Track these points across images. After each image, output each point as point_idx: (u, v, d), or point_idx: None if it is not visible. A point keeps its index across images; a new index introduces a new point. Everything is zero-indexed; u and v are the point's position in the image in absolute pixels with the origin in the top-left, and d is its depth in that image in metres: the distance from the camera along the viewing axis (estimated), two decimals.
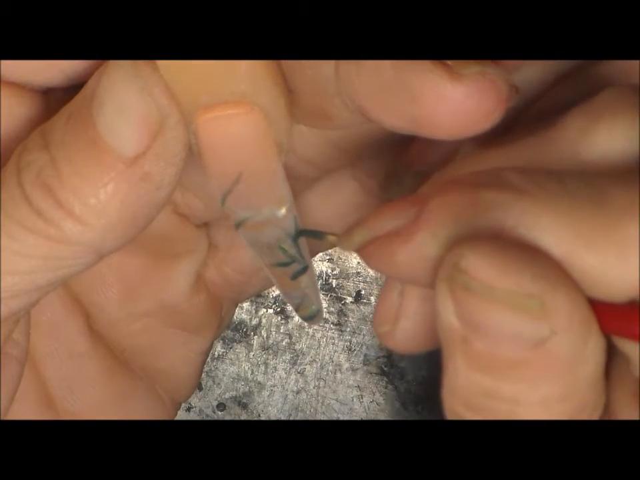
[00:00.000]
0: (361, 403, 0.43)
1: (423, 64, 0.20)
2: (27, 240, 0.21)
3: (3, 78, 0.23)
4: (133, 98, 0.20)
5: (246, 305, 0.46)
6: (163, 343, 0.29)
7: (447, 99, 0.20)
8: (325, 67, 0.21)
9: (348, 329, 0.44)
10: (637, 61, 0.23)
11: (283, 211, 0.23)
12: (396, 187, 0.26)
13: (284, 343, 0.45)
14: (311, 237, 0.24)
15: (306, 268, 0.25)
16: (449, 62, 0.20)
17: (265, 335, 0.46)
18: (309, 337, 0.45)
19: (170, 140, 0.21)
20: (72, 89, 0.23)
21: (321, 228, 0.28)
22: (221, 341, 0.46)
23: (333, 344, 0.44)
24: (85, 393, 0.28)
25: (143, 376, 0.29)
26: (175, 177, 0.22)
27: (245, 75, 0.20)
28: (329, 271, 0.46)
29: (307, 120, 0.23)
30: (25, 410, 0.26)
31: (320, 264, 0.46)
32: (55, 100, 0.24)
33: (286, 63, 0.22)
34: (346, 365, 0.43)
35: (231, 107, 0.21)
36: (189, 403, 0.45)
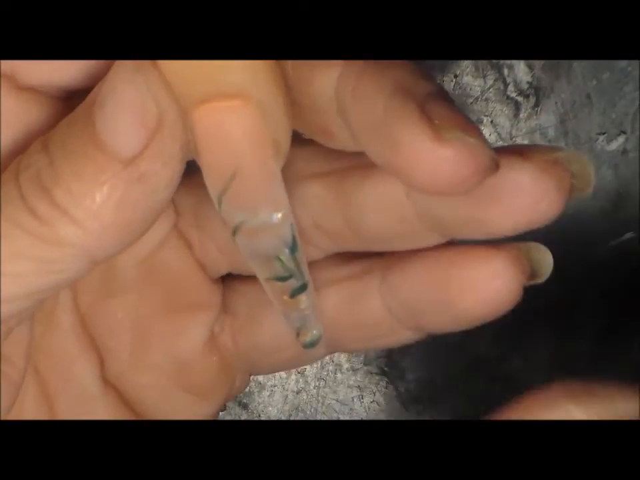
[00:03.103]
0: (361, 403, 0.43)
1: (412, 114, 0.20)
2: (21, 241, 0.21)
3: (22, 83, 0.22)
4: (131, 94, 0.20)
5: None
6: (169, 402, 0.28)
7: (422, 156, 0.20)
8: (327, 89, 0.21)
9: None
10: None
11: (279, 216, 0.22)
12: None
13: None
14: None
15: (305, 286, 0.24)
16: (437, 121, 0.20)
17: None
18: None
19: (167, 138, 0.21)
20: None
21: (339, 334, 0.27)
22: None
23: None
24: None
25: None
26: (171, 180, 0.21)
27: (244, 67, 0.20)
28: None
29: (309, 133, 0.23)
30: None
31: None
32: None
33: (291, 77, 0.22)
34: (346, 365, 0.43)
35: (227, 98, 0.20)
36: None
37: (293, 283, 0.24)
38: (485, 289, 0.24)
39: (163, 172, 0.21)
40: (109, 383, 0.28)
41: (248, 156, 0.21)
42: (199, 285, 0.28)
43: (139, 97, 0.20)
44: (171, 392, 0.28)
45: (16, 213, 0.21)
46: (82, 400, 0.27)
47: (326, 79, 0.22)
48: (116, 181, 0.21)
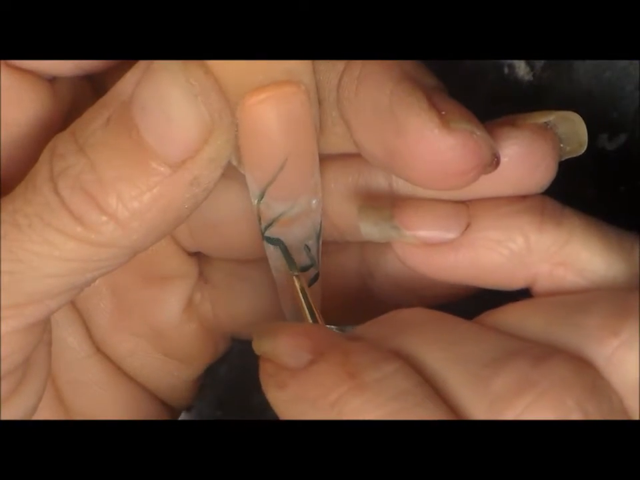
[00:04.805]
0: None
1: (420, 101, 0.20)
2: (66, 246, 0.21)
3: (16, 64, 0.22)
4: (184, 106, 0.20)
5: None
6: (151, 368, 0.29)
7: (429, 143, 0.20)
8: (332, 75, 0.21)
9: (348, 329, 0.44)
10: None
11: (315, 201, 0.23)
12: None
13: None
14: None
15: (318, 274, 0.24)
16: (443, 112, 0.20)
17: None
18: None
19: (222, 144, 0.21)
20: (78, 77, 0.23)
21: None
22: None
23: None
24: (90, 396, 0.28)
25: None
26: (219, 177, 0.21)
27: None
28: None
29: None
30: (40, 407, 0.26)
31: None
32: (60, 89, 0.24)
33: None
34: None
35: (282, 85, 0.21)
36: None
37: (312, 272, 0.24)
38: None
39: (215, 174, 0.21)
40: (96, 346, 0.28)
41: (299, 142, 0.21)
42: (174, 257, 0.28)
43: (193, 108, 0.20)
44: (153, 357, 0.29)
45: (60, 221, 0.21)
46: (76, 361, 0.28)
47: (332, 65, 0.22)
48: (165, 185, 0.21)
